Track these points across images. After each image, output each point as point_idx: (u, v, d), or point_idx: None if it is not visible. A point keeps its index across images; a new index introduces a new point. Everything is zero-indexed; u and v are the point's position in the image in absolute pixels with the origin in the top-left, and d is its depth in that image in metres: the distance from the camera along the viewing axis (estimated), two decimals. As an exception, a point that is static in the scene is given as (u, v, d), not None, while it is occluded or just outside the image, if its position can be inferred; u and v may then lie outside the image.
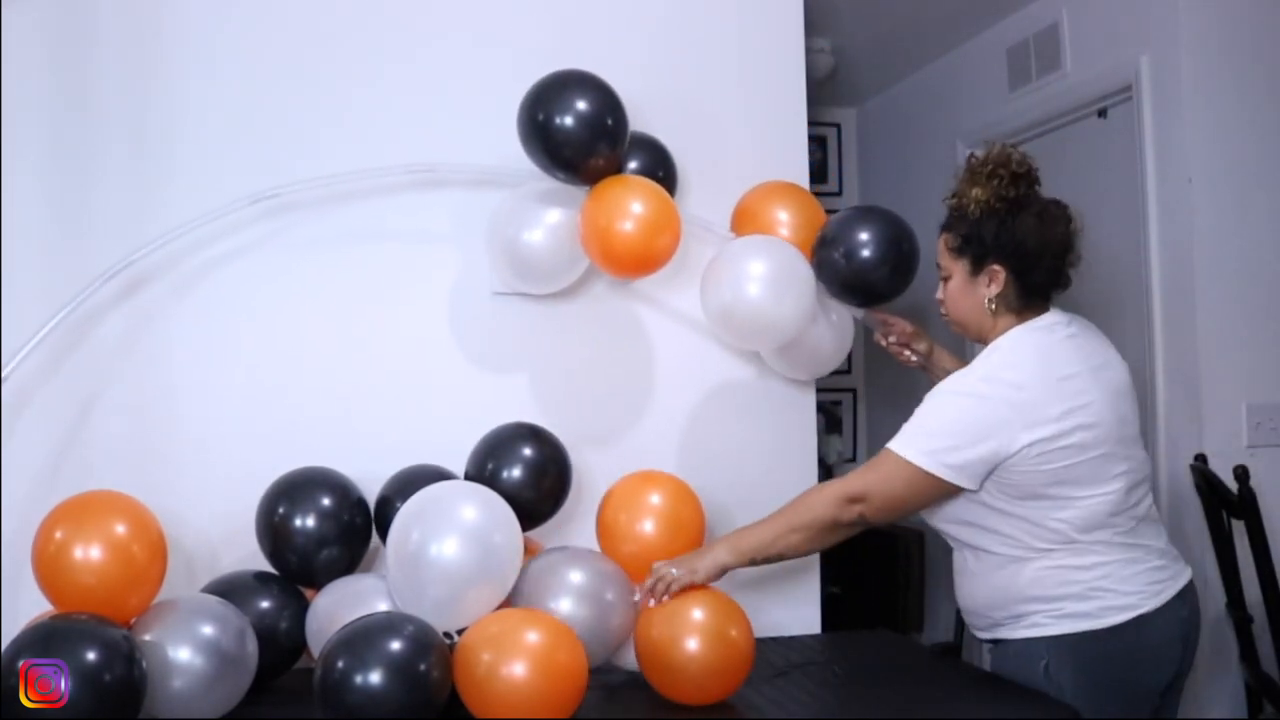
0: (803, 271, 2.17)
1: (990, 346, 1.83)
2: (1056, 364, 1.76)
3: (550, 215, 2.15)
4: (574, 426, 2.28)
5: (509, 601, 1.89)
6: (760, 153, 2.54)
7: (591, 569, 1.98)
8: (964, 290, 1.85)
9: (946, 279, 1.89)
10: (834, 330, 2.32)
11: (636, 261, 2.11)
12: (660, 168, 2.27)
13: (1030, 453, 1.70)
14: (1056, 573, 1.75)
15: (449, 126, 2.32)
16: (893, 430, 1.84)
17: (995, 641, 1.89)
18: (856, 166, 4.42)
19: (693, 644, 1.82)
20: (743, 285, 2.12)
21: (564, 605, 1.91)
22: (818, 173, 4.11)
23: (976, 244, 1.81)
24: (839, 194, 4.36)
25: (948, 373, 2.18)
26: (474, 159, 2.27)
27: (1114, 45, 2.85)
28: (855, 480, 1.84)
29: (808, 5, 2.62)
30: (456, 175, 2.26)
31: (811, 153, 2.47)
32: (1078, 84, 3.01)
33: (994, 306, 1.82)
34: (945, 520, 1.86)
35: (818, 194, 2.46)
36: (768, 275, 2.12)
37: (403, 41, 2.32)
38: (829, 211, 2.32)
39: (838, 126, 4.41)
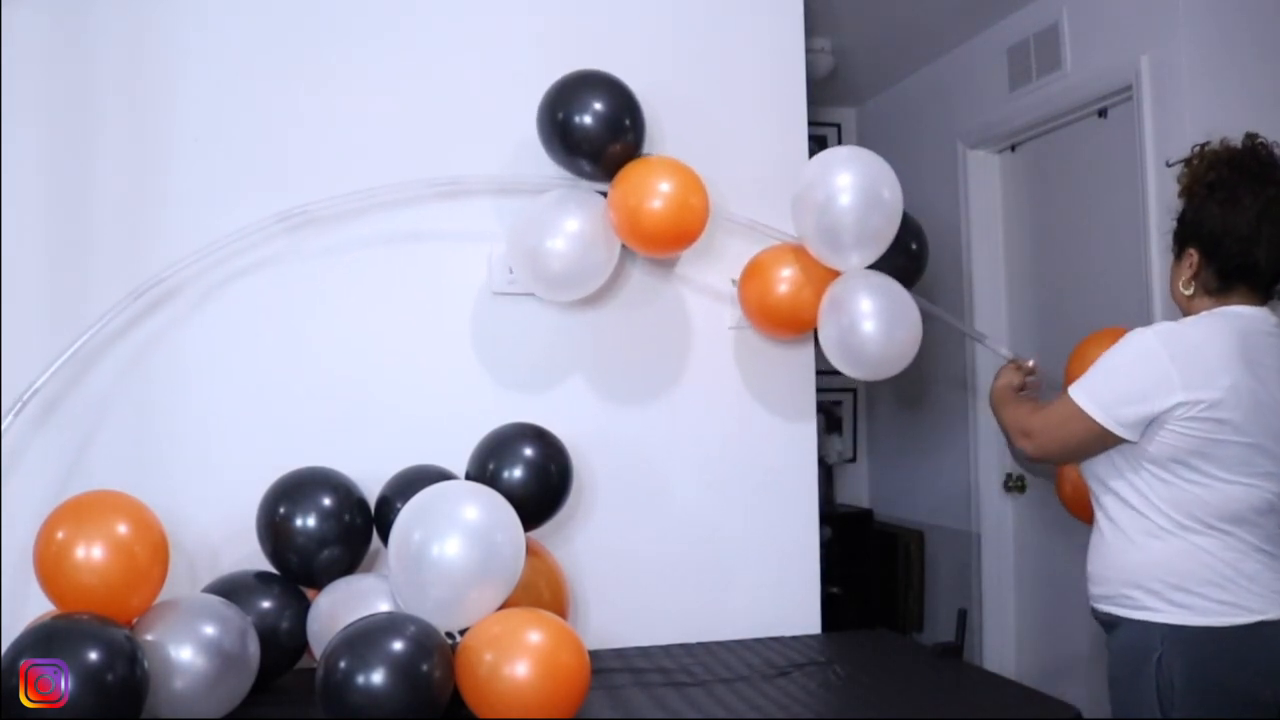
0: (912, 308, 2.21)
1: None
2: (1237, 344, 1.73)
3: (570, 223, 2.16)
4: (574, 425, 2.28)
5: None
6: (760, 153, 2.55)
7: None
8: (1172, 275, 1.87)
9: None
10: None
11: (669, 237, 2.14)
12: None
13: (1181, 414, 1.69)
14: (1193, 552, 1.71)
15: (453, 135, 2.32)
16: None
17: (1110, 622, 1.84)
18: (856, 166, 4.41)
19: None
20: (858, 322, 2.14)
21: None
22: (818, 172, 4.10)
23: (1177, 227, 1.83)
24: (839, 194, 4.35)
25: None
26: (477, 159, 2.28)
27: (1114, 45, 2.85)
28: (1034, 417, 1.92)
29: (808, 5, 2.63)
30: (481, 187, 2.28)
31: (811, 152, 2.47)
32: (1078, 84, 3.01)
33: (1190, 291, 1.81)
34: (1096, 475, 1.86)
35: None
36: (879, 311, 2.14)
37: (414, 55, 2.33)
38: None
39: (838, 126, 4.41)
